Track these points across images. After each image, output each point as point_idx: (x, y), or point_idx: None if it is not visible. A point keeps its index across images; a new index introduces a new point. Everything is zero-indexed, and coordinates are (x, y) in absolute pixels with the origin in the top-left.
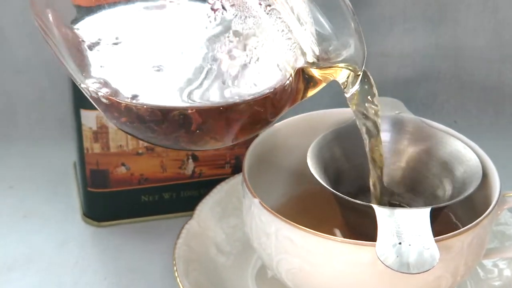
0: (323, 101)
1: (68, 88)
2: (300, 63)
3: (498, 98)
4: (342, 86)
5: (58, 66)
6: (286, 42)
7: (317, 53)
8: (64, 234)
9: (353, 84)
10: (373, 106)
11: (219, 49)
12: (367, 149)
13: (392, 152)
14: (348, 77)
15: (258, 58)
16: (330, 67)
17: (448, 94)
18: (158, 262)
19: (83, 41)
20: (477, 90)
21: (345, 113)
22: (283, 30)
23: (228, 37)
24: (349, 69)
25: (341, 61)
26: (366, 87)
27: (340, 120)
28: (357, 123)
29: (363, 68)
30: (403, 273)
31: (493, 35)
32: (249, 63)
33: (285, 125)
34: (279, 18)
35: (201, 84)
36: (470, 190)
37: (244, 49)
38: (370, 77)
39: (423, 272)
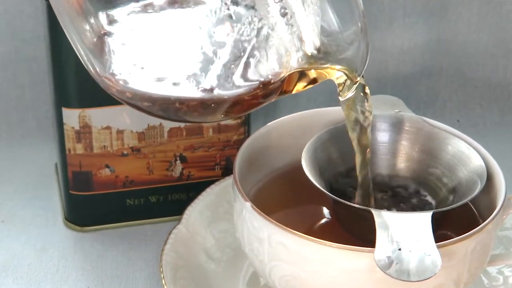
0: (318, 99)
1: (49, 86)
2: (298, 54)
3: (504, 96)
4: (338, 88)
5: (39, 62)
6: (287, 26)
7: (318, 45)
8: (44, 240)
9: (349, 88)
10: (366, 115)
11: (217, 20)
12: (357, 162)
13: (392, 153)
14: (346, 80)
15: (256, 35)
16: (326, 67)
17: (451, 91)
18: (144, 269)
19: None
20: (481, 87)
21: (340, 112)
22: (286, 12)
23: (226, 3)
24: (345, 73)
25: (340, 61)
26: (362, 94)
27: (335, 119)
28: (348, 132)
29: (362, 73)
30: (403, 280)
31: (498, 29)
32: (251, 37)
33: (277, 125)
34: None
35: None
36: (474, 193)
37: (240, 21)
38: (367, 87)
39: (424, 279)
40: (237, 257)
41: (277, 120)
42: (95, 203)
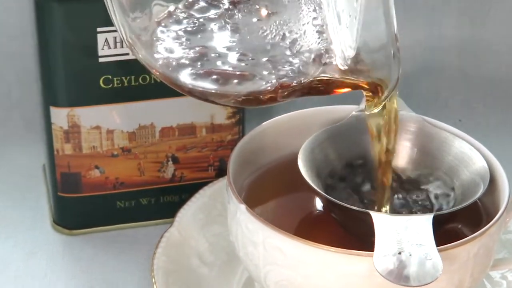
0: (314, 98)
1: (37, 83)
2: (326, 63)
3: (507, 94)
4: (365, 99)
5: (25, 59)
6: (317, 34)
7: (349, 57)
8: (32, 244)
9: (376, 105)
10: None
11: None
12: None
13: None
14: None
15: (282, 38)
16: (353, 81)
17: (452, 90)
18: (135, 274)
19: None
20: (484, 85)
21: (339, 111)
22: (318, 23)
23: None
24: (372, 91)
25: (370, 78)
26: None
27: (333, 119)
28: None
29: (389, 95)
30: (403, 285)
31: (501, 25)
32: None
33: (273, 124)
34: (319, 8)
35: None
36: (476, 195)
37: (268, 23)
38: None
39: (425, 284)
40: (231, 261)
41: (272, 119)
42: (84, 205)
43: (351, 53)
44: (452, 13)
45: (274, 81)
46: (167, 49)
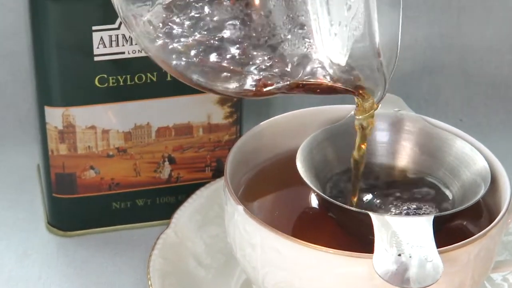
0: (312, 97)
1: (31, 83)
2: (311, 67)
3: (509, 93)
4: (356, 103)
5: (20, 58)
6: (304, 40)
7: (338, 64)
8: (26, 245)
9: (364, 113)
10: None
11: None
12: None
13: (391, 154)
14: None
15: (268, 39)
16: (340, 87)
17: (453, 89)
18: (131, 276)
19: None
20: (485, 85)
21: (337, 111)
22: (303, 28)
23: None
24: (359, 99)
25: (357, 87)
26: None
27: (331, 119)
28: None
29: (377, 104)
30: (403, 287)
31: (503, 23)
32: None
33: (271, 124)
34: (306, 14)
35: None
36: (477, 196)
37: (251, 25)
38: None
39: (425, 287)
40: (228, 263)
41: (270, 119)
42: (79, 206)
43: (340, 60)
44: (453, 12)
45: (259, 77)
46: (166, 32)
